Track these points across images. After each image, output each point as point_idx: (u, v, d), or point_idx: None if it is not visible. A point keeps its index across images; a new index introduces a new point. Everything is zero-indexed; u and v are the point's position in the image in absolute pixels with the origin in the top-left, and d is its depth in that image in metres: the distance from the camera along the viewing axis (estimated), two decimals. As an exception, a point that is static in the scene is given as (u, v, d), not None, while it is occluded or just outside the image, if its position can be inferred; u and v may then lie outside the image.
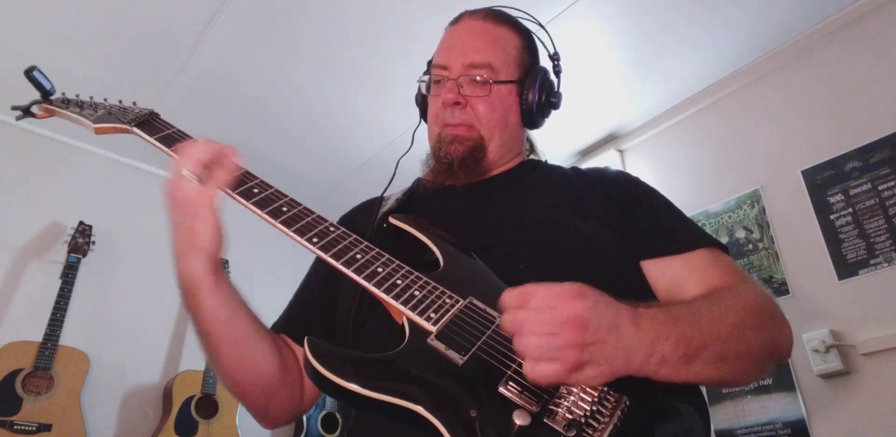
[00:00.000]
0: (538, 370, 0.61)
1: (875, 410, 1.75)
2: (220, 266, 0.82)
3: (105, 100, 1.04)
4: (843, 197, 2.00)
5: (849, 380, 1.83)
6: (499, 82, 0.99)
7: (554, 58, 1.11)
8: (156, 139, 0.92)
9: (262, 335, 0.87)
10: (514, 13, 1.08)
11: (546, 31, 1.11)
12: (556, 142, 2.79)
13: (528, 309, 0.63)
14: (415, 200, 1.03)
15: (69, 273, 2.39)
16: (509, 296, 0.65)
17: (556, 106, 1.09)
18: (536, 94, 1.02)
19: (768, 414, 1.96)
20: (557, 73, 1.10)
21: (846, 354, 1.85)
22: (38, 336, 2.23)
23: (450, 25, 1.08)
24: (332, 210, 0.97)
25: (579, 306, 0.62)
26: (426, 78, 1.06)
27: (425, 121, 1.11)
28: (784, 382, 1.95)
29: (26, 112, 0.98)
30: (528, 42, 1.07)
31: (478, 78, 0.98)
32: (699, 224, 2.35)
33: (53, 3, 2.11)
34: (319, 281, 1.03)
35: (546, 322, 0.61)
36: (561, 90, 1.10)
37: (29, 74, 0.94)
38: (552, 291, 0.64)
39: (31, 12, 2.15)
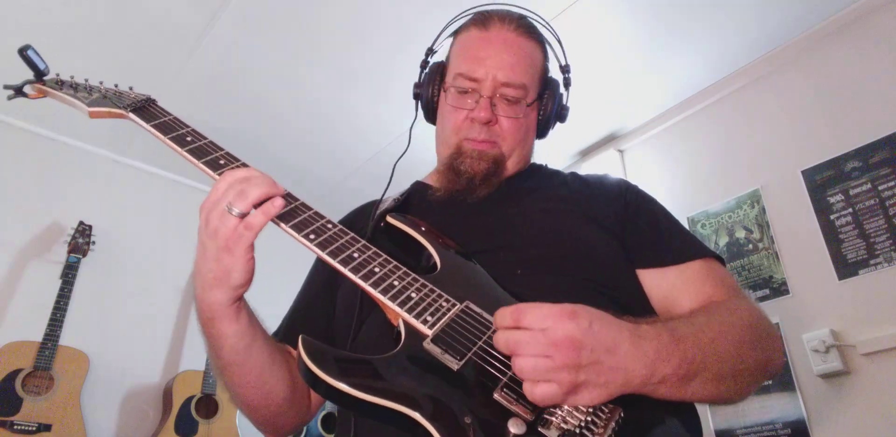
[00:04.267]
0: (536, 391, 0.61)
1: (875, 410, 1.75)
2: (242, 296, 0.81)
3: (101, 83, 1.01)
4: (843, 197, 2.00)
5: (849, 380, 1.83)
6: (530, 104, 0.99)
7: (565, 70, 1.09)
8: (152, 126, 0.88)
9: (277, 358, 0.87)
10: (526, 15, 1.06)
11: (558, 38, 1.09)
12: (556, 142, 2.79)
13: (521, 330, 0.63)
14: (413, 203, 1.02)
15: (69, 273, 2.39)
16: (502, 315, 0.65)
17: (564, 120, 1.08)
18: (554, 110, 1.03)
19: (768, 414, 1.96)
20: (567, 86, 1.09)
21: (846, 354, 1.85)
22: (38, 336, 2.23)
23: (475, 28, 1.02)
24: (333, 210, 0.96)
25: (572, 327, 0.61)
26: (447, 86, 1.01)
27: (427, 120, 1.09)
28: (784, 382, 1.95)
29: (18, 92, 0.95)
30: (545, 54, 1.06)
31: (511, 98, 0.97)
32: (699, 224, 2.37)
33: (54, 4, 2.11)
34: (319, 287, 1.02)
35: (539, 344, 0.61)
36: (568, 103, 1.09)
37: (23, 52, 0.91)
38: (545, 311, 0.63)
39: (32, 12, 2.15)
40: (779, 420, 1.93)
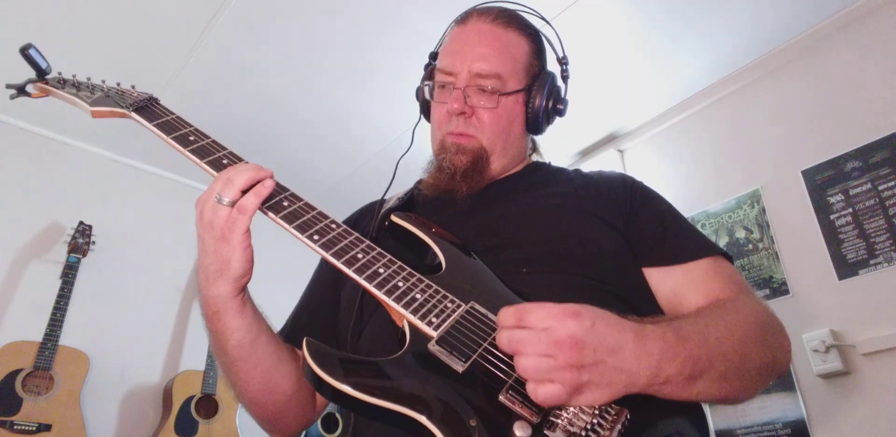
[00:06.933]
0: (539, 392, 0.60)
1: (875, 410, 1.75)
2: (246, 289, 0.81)
3: (103, 81, 1.00)
4: (843, 197, 2.00)
5: (849, 380, 1.83)
6: (507, 94, 0.96)
7: (562, 62, 1.07)
8: (154, 126, 0.87)
9: (283, 354, 0.87)
10: (518, 9, 1.04)
11: (555, 31, 1.07)
12: (556, 142, 2.79)
13: (524, 329, 0.62)
14: (416, 202, 1.01)
15: (69, 273, 2.38)
16: (505, 314, 0.64)
17: (561, 113, 1.06)
18: (543, 102, 0.99)
19: (768, 414, 1.96)
20: (565, 78, 1.06)
21: (846, 354, 1.85)
22: (38, 336, 2.22)
23: (456, 24, 1.03)
24: (336, 208, 0.95)
25: (575, 327, 0.61)
26: (430, 82, 1.02)
27: (426, 118, 1.09)
28: (784, 382, 1.95)
29: (21, 91, 0.94)
30: (537, 46, 1.03)
31: (486, 88, 0.95)
32: (699, 224, 2.37)
33: (53, 4, 2.11)
34: (324, 286, 1.01)
35: (541, 343, 0.60)
36: (567, 96, 1.06)
37: (25, 51, 0.90)
38: (547, 311, 0.62)
39: (31, 13, 2.15)
40: (779, 420, 1.93)
